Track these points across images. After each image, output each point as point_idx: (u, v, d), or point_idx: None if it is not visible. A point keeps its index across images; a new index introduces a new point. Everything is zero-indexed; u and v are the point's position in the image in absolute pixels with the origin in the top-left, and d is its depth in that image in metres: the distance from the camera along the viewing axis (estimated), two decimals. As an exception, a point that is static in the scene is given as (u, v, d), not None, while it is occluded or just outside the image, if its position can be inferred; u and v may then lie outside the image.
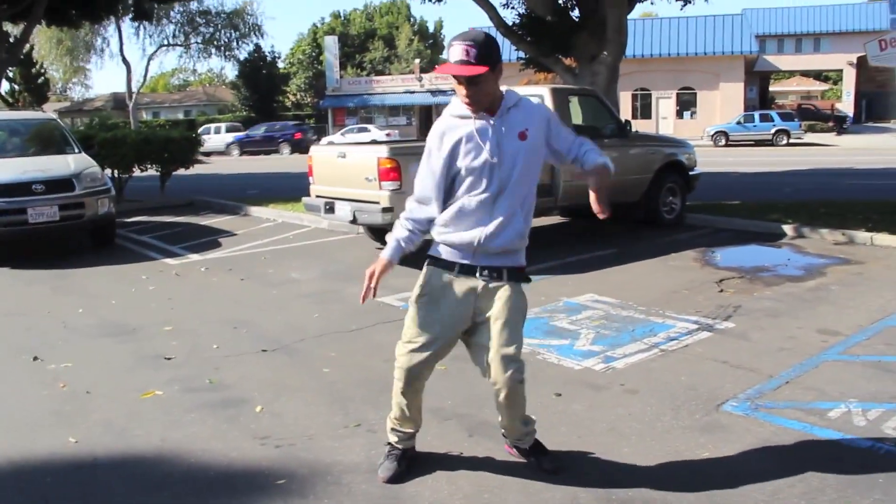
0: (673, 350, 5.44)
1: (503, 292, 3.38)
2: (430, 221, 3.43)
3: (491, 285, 3.38)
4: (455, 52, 3.15)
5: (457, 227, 3.36)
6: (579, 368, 5.11)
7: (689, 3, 14.98)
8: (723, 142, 36.31)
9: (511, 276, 3.41)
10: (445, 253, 3.42)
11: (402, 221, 3.47)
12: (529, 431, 3.71)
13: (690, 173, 11.06)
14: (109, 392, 4.96)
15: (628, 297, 6.90)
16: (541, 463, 3.68)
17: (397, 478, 3.59)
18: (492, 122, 3.30)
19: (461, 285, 3.39)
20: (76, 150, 11.27)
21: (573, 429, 4.15)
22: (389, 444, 3.73)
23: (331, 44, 57.10)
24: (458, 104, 3.36)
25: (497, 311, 3.36)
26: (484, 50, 3.13)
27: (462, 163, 3.31)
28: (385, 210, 7.89)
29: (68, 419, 4.54)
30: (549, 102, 9.26)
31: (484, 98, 3.26)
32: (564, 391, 4.70)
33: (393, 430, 3.70)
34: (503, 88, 3.37)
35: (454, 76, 3.20)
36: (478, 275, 3.37)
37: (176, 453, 4.01)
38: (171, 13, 50.98)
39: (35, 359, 5.69)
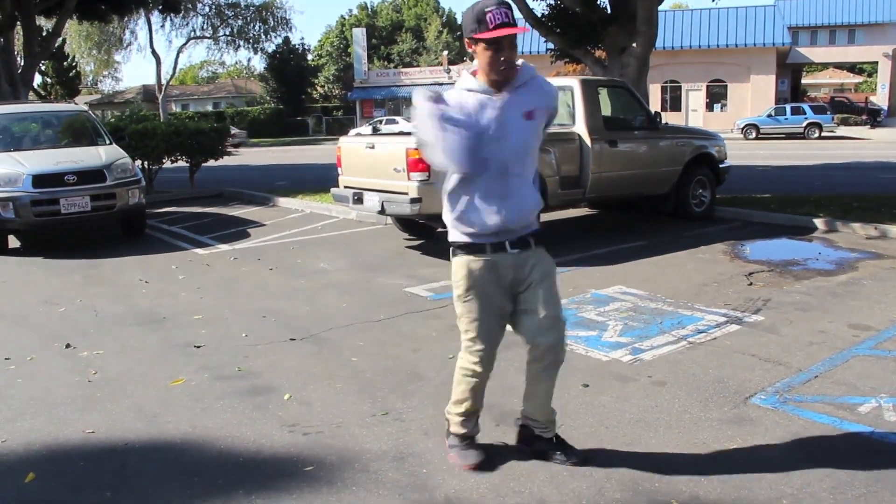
0: (701, 342, 5.40)
1: (535, 259, 3.43)
2: None
3: (522, 255, 3.39)
4: (496, 17, 3.08)
5: (474, 215, 3.33)
6: (607, 360, 5.10)
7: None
8: (753, 135, 35.93)
9: (537, 243, 3.45)
10: (470, 238, 3.39)
11: None
12: (553, 420, 3.72)
13: (720, 166, 10.96)
14: (140, 379, 5.03)
15: (657, 290, 6.87)
16: (567, 455, 3.66)
17: (485, 465, 3.62)
18: (499, 97, 3.25)
19: (497, 265, 3.38)
20: (107, 142, 11.40)
21: (601, 419, 4.15)
22: (461, 435, 3.70)
23: (359, 36, 57.25)
24: (468, 79, 3.32)
25: (537, 278, 3.41)
26: (512, 9, 3.17)
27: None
28: (413, 201, 7.90)
29: (100, 405, 4.61)
30: (578, 94, 9.24)
31: (514, 63, 3.23)
32: (592, 382, 4.69)
33: (463, 422, 3.69)
34: (519, 61, 3.31)
35: (497, 41, 3.11)
36: (508, 249, 3.37)
37: (206, 440, 4.06)
38: (199, 5, 51.35)
39: (67, 346, 5.78)
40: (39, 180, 9.70)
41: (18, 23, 19.06)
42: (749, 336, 5.53)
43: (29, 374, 5.21)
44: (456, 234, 3.43)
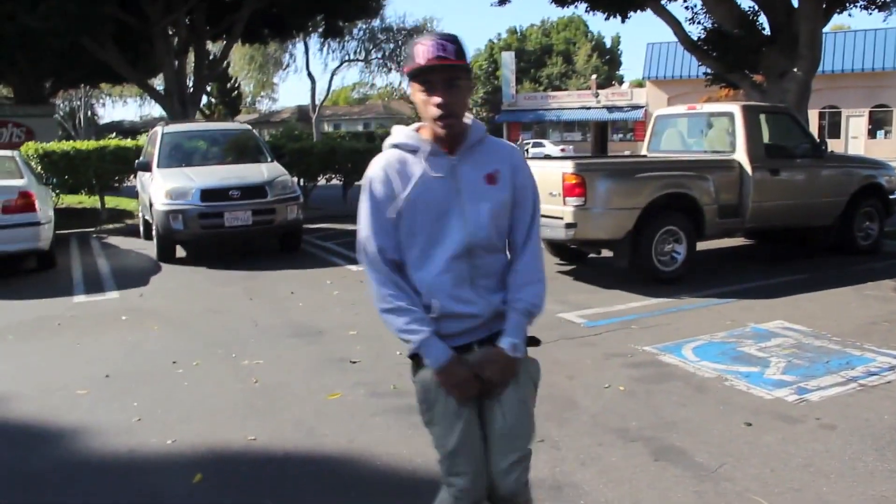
0: (874, 385, 5.06)
1: None
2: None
3: None
4: (426, 50, 2.36)
5: None
6: (770, 398, 4.86)
7: (891, 12, 13.99)
8: (922, 164, 33.74)
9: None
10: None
11: None
12: None
13: (891, 197, 10.33)
14: (298, 391, 5.19)
15: (821, 327, 6.51)
16: None
17: None
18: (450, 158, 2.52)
19: None
20: (269, 159, 11.90)
21: (765, 461, 3.94)
22: None
23: (507, 59, 57.60)
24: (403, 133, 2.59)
25: None
26: (462, 48, 2.42)
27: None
28: (569, 226, 7.82)
29: (260, 414, 4.78)
30: (739, 120, 8.96)
31: (461, 109, 2.47)
32: (755, 421, 4.47)
33: None
34: (468, 119, 2.55)
35: (424, 73, 2.39)
36: None
37: (362, 455, 4.13)
38: (354, 30, 53.07)
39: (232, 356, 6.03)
40: (206, 194, 10.23)
41: (191, 48, 20.35)
42: (927, 382, 5.15)
43: (195, 380, 5.48)
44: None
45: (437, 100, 2.38)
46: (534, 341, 2.63)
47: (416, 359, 2.53)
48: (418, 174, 2.48)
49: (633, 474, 3.80)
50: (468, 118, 2.53)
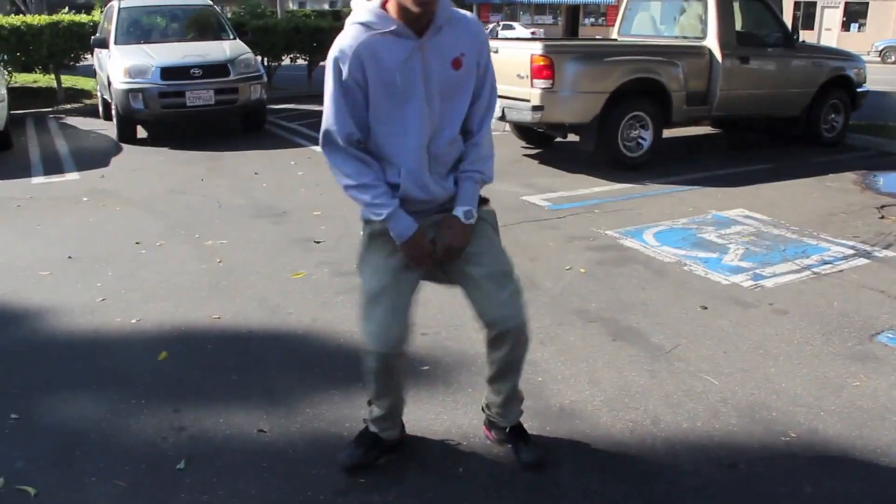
0: (826, 274, 5.20)
1: None
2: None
3: None
4: None
5: None
6: (727, 283, 4.98)
7: None
8: (893, 58, 33.67)
9: None
10: None
11: None
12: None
13: (858, 90, 10.33)
14: (262, 270, 5.21)
15: (781, 216, 6.62)
16: (518, 452, 3.01)
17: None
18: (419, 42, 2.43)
19: None
20: (231, 37, 11.55)
21: (718, 343, 4.07)
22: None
23: (480, -64, 55.82)
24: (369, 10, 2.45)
25: None
26: None
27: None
28: (535, 108, 7.76)
29: (225, 293, 4.80)
30: (712, 5, 8.81)
31: None
32: (711, 305, 4.60)
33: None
34: None
35: None
36: None
37: (326, 333, 4.19)
38: None
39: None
40: (167, 73, 9.95)
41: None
42: (878, 271, 5.28)
43: (158, 259, 5.46)
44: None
45: None
46: (483, 201, 2.77)
47: (367, 221, 2.64)
48: (383, 56, 2.40)
49: (590, 353, 3.91)
50: None
